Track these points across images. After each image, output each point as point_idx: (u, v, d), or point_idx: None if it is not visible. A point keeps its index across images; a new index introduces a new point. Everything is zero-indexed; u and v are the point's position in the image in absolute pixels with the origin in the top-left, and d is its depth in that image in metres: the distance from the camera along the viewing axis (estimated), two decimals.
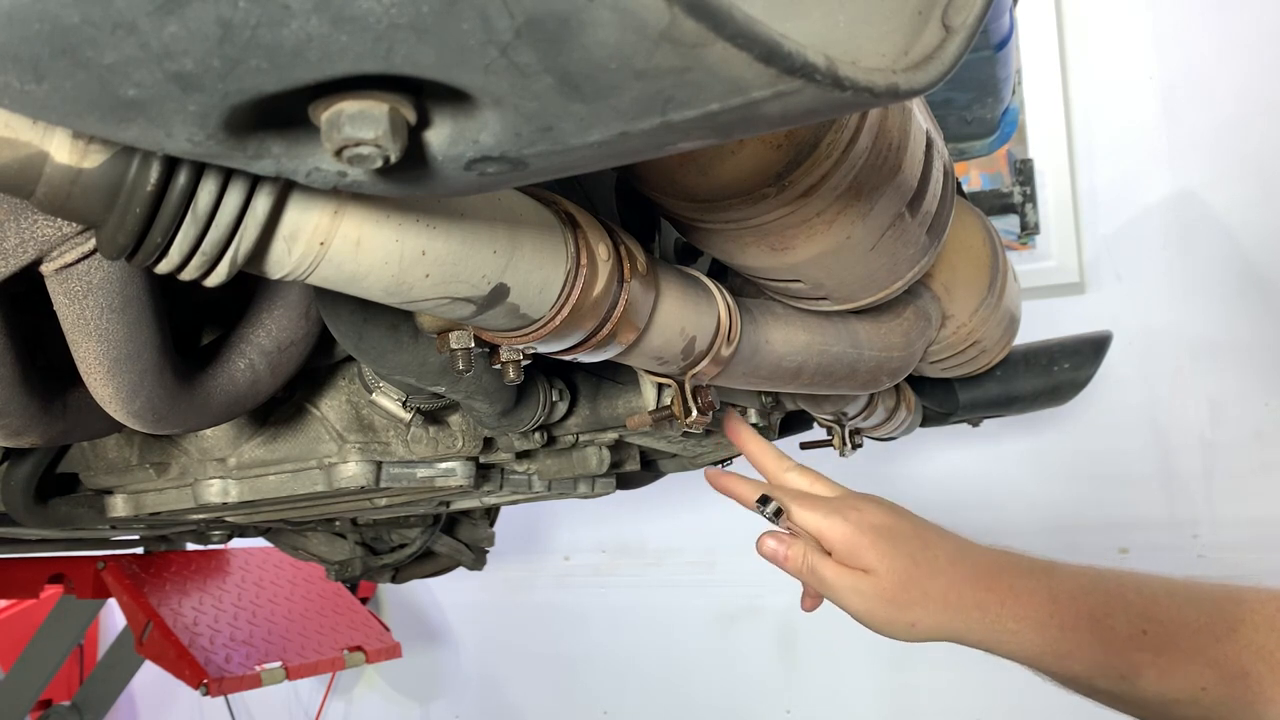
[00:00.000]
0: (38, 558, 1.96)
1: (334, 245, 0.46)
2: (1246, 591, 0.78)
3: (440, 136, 0.35)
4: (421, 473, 0.97)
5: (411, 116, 0.33)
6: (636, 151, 0.37)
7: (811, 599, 0.88)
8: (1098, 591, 0.79)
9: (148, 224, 0.41)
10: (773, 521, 0.84)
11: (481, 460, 1.04)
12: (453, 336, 0.64)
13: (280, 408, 0.91)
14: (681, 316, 0.72)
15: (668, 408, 0.85)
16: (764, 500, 0.85)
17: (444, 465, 0.97)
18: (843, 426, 1.29)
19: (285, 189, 0.44)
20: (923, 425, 1.53)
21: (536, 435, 1.00)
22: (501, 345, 0.65)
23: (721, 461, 1.38)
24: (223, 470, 0.92)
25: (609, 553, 2.99)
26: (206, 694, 1.85)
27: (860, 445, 1.33)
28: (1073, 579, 0.80)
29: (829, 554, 0.82)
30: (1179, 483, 2.39)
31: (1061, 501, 2.47)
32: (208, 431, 0.90)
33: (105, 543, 1.90)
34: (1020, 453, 2.49)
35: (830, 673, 2.67)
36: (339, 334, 0.71)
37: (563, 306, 0.61)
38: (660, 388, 0.94)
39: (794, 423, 1.45)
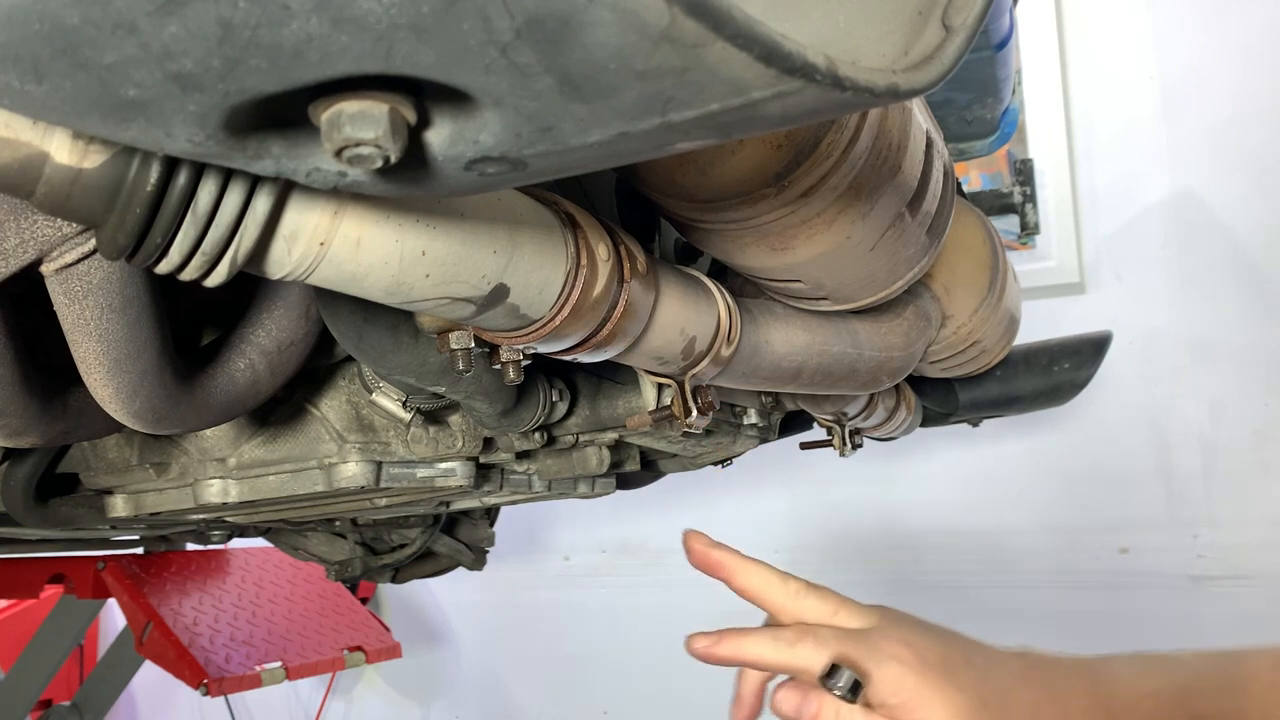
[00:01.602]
0: (38, 558, 1.96)
1: (334, 245, 0.46)
2: (1249, 657, 0.69)
3: (440, 136, 0.35)
4: (421, 473, 0.97)
5: (411, 116, 0.33)
6: (636, 152, 0.37)
7: None
8: (1149, 696, 0.66)
9: (148, 224, 0.41)
10: (849, 700, 0.63)
11: (481, 460, 1.04)
12: (453, 336, 0.64)
13: (280, 408, 0.91)
14: (681, 316, 0.72)
15: (668, 408, 0.85)
16: (833, 672, 0.63)
17: (444, 465, 0.97)
18: (843, 426, 1.29)
19: (285, 189, 0.44)
20: (923, 425, 1.53)
21: (536, 435, 1.00)
22: (501, 345, 0.65)
23: (721, 462, 1.38)
24: (223, 470, 0.92)
25: (609, 553, 2.98)
26: (206, 694, 1.85)
27: (860, 445, 1.33)
28: (1122, 670, 0.67)
29: (869, 705, 0.63)
30: (1179, 483, 2.39)
31: (1061, 501, 2.47)
32: (208, 431, 0.90)
33: (105, 543, 1.90)
34: (1020, 453, 2.49)
35: None
36: (339, 334, 0.71)
37: (563, 307, 0.61)
38: (660, 388, 0.94)
39: (794, 423, 1.45)
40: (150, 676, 2.67)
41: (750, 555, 0.71)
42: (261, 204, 0.43)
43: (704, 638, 0.67)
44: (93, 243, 0.51)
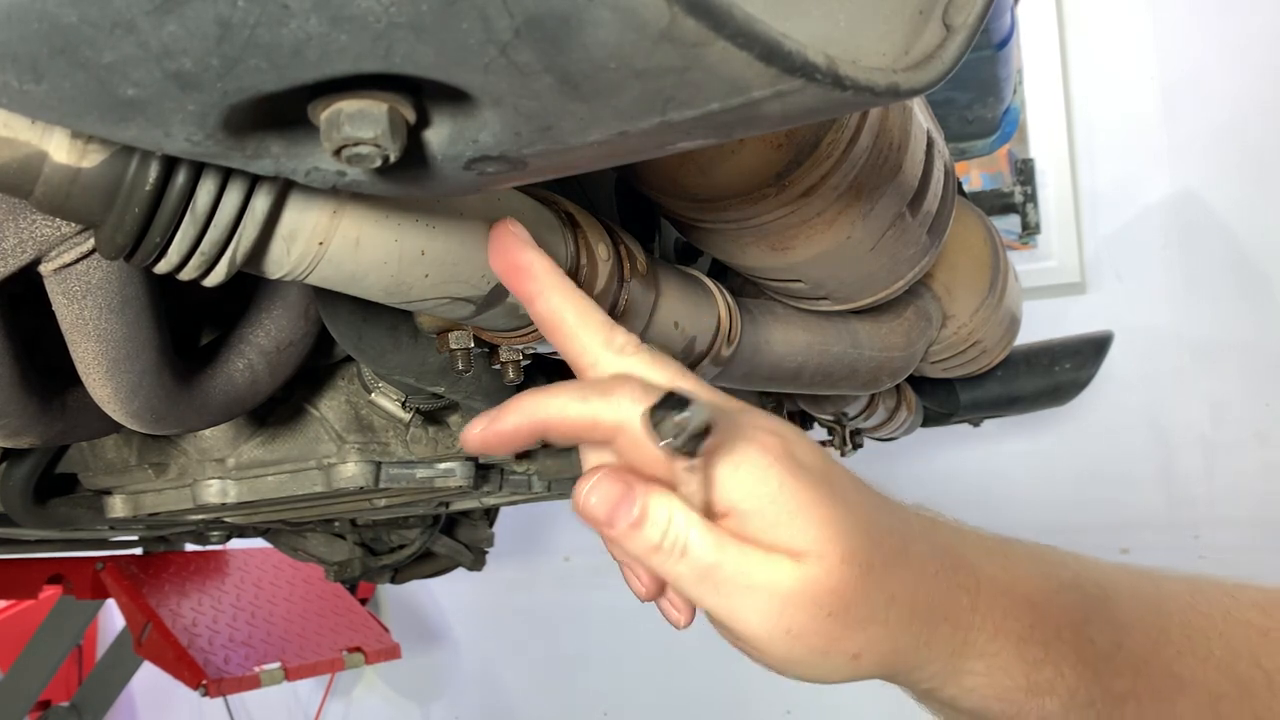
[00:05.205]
0: (37, 558, 1.95)
1: (333, 245, 0.46)
2: (1164, 582, 0.58)
3: (440, 136, 0.35)
4: (421, 473, 0.96)
5: (411, 116, 0.32)
6: (636, 151, 0.37)
7: (687, 607, 0.50)
8: (1069, 587, 0.52)
9: (146, 224, 0.41)
10: (682, 455, 0.41)
11: (481, 461, 1.04)
12: (452, 336, 0.64)
13: (279, 408, 0.91)
14: (681, 316, 0.72)
15: None
16: (667, 402, 0.40)
17: (443, 466, 0.97)
18: (843, 427, 1.29)
19: (284, 188, 0.44)
20: (923, 425, 1.53)
21: None
22: (501, 345, 0.65)
23: None
24: (221, 471, 0.92)
25: (609, 553, 2.98)
26: (205, 695, 1.85)
27: (860, 445, 1.33)
28: (1034, 563, 0.52)
29: (712, 514, 0.44)
30: (1179, 483, 2.39)
31: (1062, 502, 2.47)
32: (206, 432, 0.90)
33: (104, 543, 1.89)
34: (1020, 453, 2.49)
35: None
36: (338, 334, 0.71)
37: None
38: None
39: (794, 423, 1.45)
40: (149, 677, 2.67)
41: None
42: (260, 203, 0.42)
43: (481, 418, 0.46)
44: (91, 242, 0.51)
